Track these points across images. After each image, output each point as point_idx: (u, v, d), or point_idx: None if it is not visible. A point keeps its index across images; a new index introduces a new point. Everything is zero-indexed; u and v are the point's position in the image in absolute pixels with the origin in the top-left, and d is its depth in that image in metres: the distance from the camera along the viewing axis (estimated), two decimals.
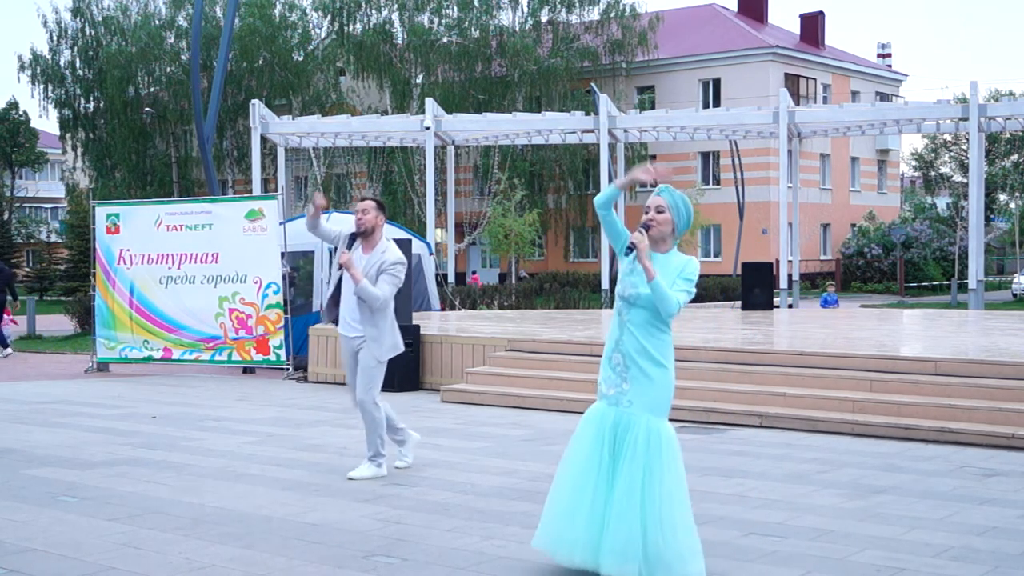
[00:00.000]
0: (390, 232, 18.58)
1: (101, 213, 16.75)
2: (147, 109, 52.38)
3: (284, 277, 15.64)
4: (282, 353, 15.52)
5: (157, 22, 52.96)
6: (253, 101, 28.69)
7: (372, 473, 8.06)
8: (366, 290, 7.79)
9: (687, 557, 5.28)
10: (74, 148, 55.37)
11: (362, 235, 7.99)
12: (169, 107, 53.02)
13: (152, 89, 54.49)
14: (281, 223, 15.68)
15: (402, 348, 8.20)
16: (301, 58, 53.45)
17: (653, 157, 51.27)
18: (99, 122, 54.65)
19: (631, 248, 5.49)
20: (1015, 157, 68.54)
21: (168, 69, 53.35)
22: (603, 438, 5.47)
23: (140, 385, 14.97)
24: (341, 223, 18.27)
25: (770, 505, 6.95)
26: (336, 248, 8.14)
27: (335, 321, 8.26)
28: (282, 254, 15.63)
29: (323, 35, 54.77)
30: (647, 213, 5.54)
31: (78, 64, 54.08)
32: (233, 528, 6.63)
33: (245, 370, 16.33)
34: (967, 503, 7.15)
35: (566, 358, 12.96)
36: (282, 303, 15.51)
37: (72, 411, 12.12)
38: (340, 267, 7.94)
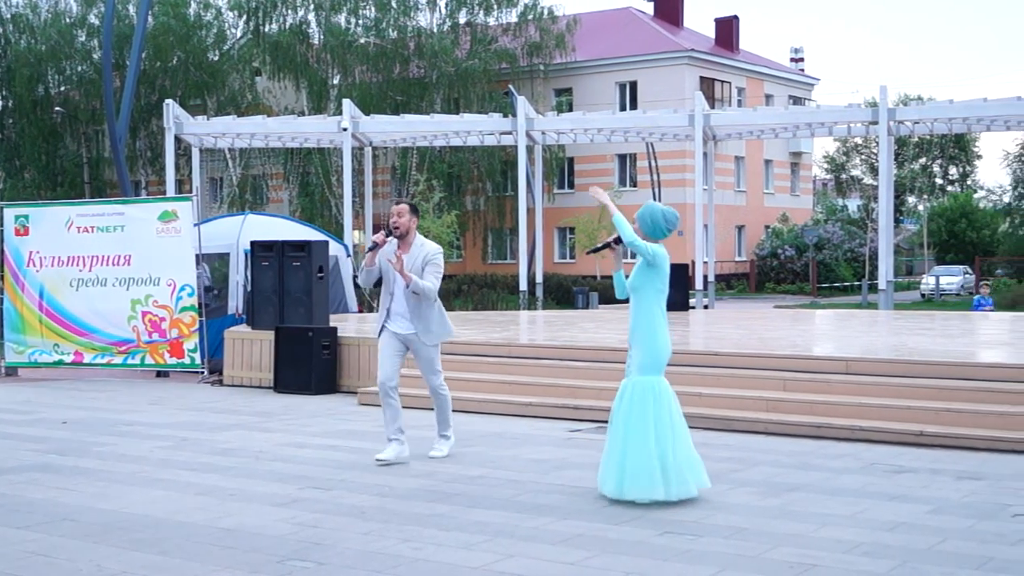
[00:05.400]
0: (308, 233, 18.57)
1: (9, 215, 16.44)
2: (57, 108, 51.39)
3: (199, 278, 15.46)
4: (197, 356, 15.32)
5: (68, 20, 51.99)
6: (167, 101, 28.26)
7: (449, 446, 9.13)
8: (418, 285, 8.50)
9: (688, 473, 7.08)
10: None
11: (398, 237, 8.57)
12: (80, 107, 52.08)
13: (63, 88, 53.48)
14: (195, 224, 15.48)
15: (452, 331, 9.09)
16: (216, 58, 52.82)
17: (571, 160, 51.55)
18: (7, 122, 53.51)
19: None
20: (923, 160, 70.16)
21: (79, 68, 52.41)
22: (618, 402, 7.25)
23: (50, 390, 14.67)
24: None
25: (685, 504, 7.03)
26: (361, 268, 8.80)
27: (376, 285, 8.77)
28: (197, 256, 15.46)
29: (238, 35, 54.17)
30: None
31: None
32: (146, 534, 6.53)
33: (159, 374, 16.08)
34: (877, 499, 7.29)
35: (484, 359, 12.95)
36: (197, 305, 15.31)
37: None
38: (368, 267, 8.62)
